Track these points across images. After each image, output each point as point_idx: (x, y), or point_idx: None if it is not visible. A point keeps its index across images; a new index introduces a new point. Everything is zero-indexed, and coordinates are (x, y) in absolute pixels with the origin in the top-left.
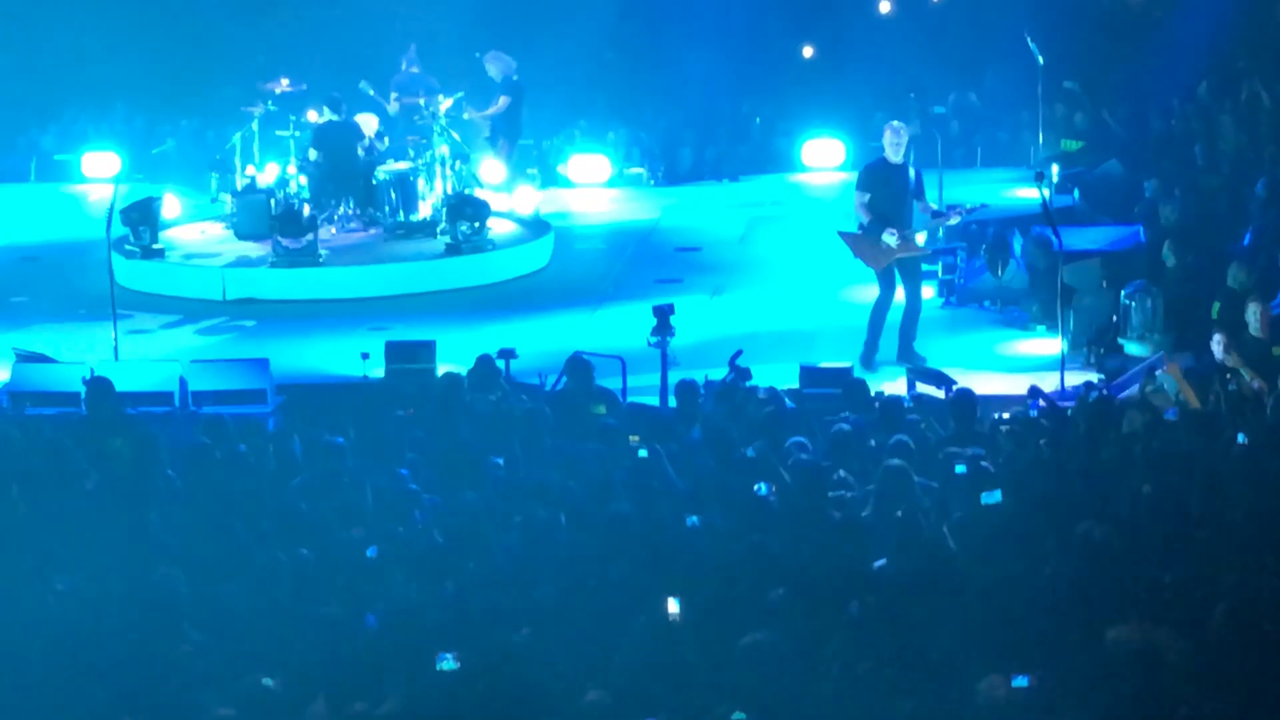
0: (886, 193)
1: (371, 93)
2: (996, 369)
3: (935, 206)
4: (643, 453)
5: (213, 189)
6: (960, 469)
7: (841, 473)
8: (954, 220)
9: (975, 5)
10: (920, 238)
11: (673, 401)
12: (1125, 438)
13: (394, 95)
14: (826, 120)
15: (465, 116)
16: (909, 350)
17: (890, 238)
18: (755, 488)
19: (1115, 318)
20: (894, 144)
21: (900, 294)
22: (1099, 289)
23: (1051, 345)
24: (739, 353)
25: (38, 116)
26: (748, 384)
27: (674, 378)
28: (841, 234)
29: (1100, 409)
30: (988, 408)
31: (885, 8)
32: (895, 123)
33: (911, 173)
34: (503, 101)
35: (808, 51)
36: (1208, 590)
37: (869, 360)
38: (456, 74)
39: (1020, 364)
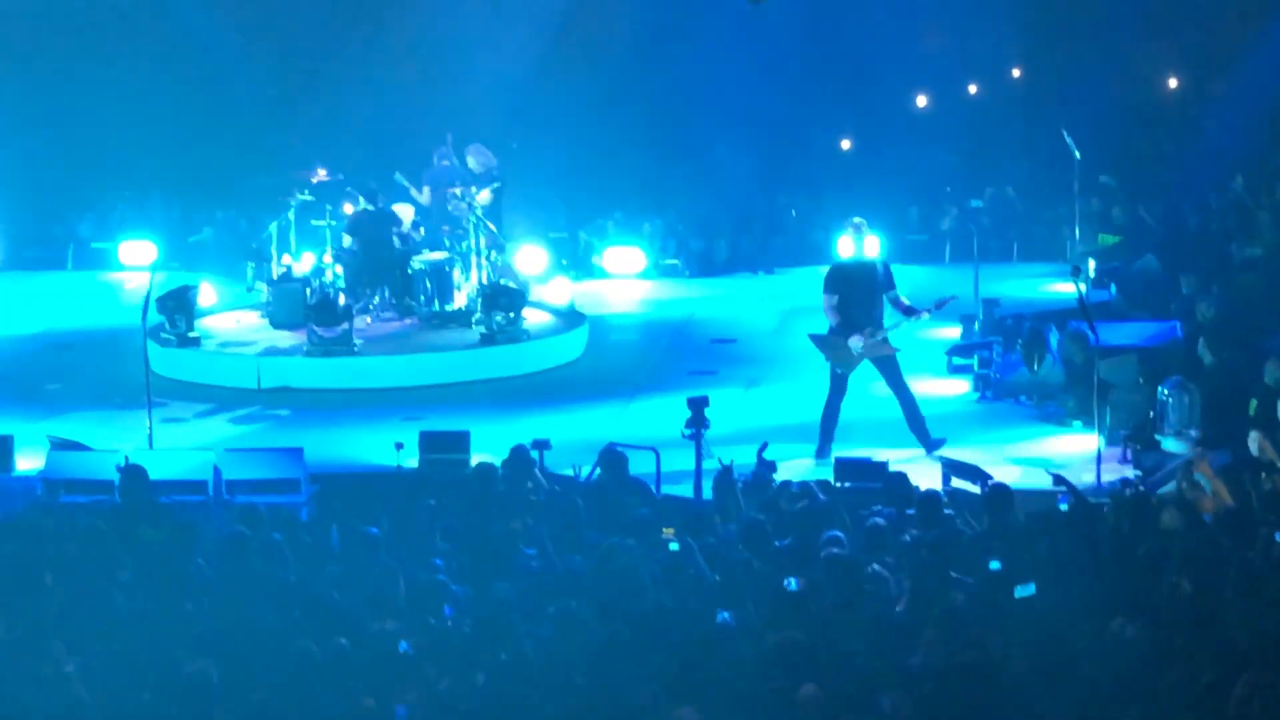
0: (852, 292)
1: (406, 184)
2: (1032, 464)
3: (907, 302)
4: (674, 546)
5: (249, 278)
6: (994, 565)
7: (875, 566)
8: (924, 316)
9: (1012, 100)
10: (885, 344)
11: (707, 493)
12: (1162, 534)
13: (426, 187)
14: (862, 213)
15: (450, 209)
16: (926, 437)
17: (856, 343)
18: (785, 583)
19: (1152, 413)
20: (854, 241)
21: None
22: (1136, 385)
23: (1088, 441)
24: (765, 445)
25: (75, 205)
26: (775, 476)
27: (708, 470)
28: (811, 337)
29: (1137, 505)
30: (1024, 503)
31: (922, 102)
32: (856, 219)
33: (879, 268)
34: (485, 195)
35: (845, 144)
36: (1243, 690)
37: (821, 453)
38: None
39: (1056, 460)
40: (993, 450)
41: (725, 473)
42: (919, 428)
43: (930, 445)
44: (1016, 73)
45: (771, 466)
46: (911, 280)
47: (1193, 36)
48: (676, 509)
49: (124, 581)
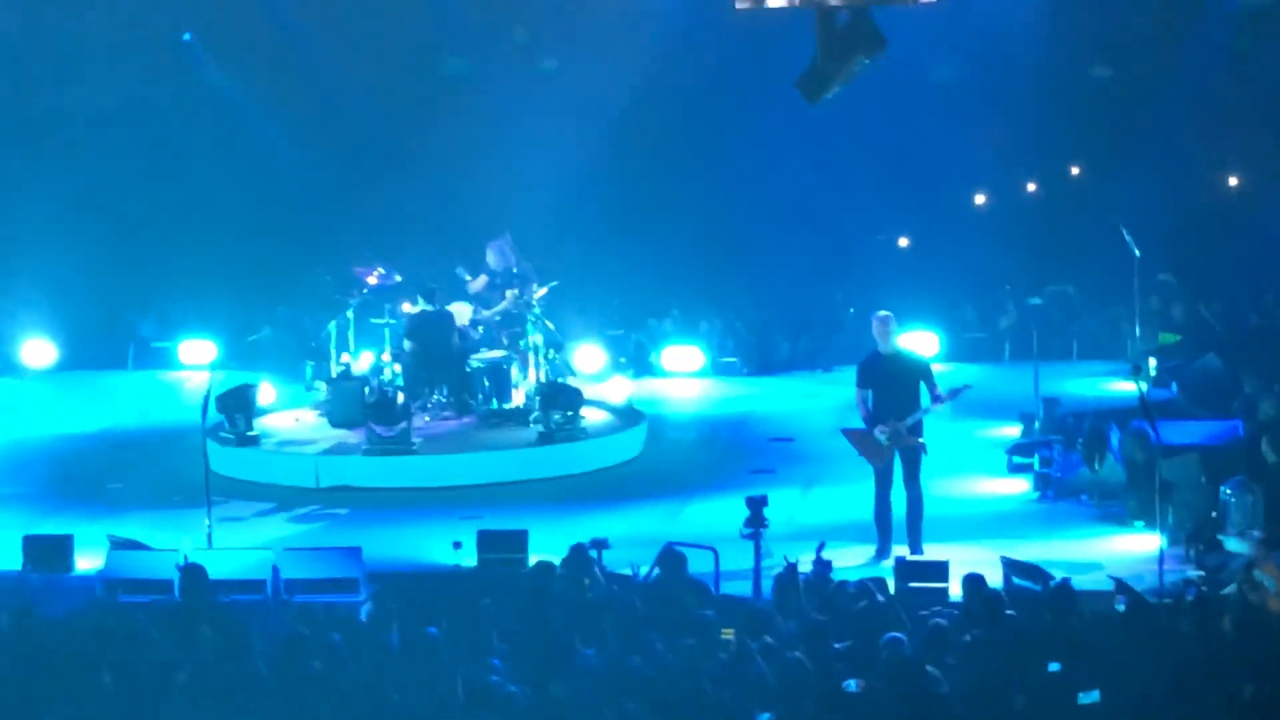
0: (880, 385)
1: (468, 277)
2: (1094, 564)
3: (940, 392)
4: (734, 646)
5: (308, 376)
6: (1054, 667)
7: (931, 668)
8: (936, 408)
9: (1071, 197)
10: (910, 436)
11: (766, 592)
12: (1225, 637)
13: (483, 276)
14: (920, 311)
15: (510, 308)
16: (918, 541)
17: (881, 435)
18: (845, 684)
19: (1214, 513)
20: (881, 334)
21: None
22: (1198, 484)
23: (1150, 541)
24: (823, 545)
25: (136, 304)
26: (832, 575)
27: (767, 569)
28: (843, 431)
29: (1199, 607)
30: (1086, 603)
31: (980, 200)
32: (882, 312)
33: (911, 360)
34: (480, 281)
35: (903, 242)
36: None
37: (881, 553)
38: (551, 262)
39: (1118, 560)
40: (1054, 549)
41: (789, 571)
42: (914, 530)
43: (916, 549)
44: (1075, 170)
45: (828, 566)
46: (969, 379)
47: (1252, 135)
48: (735, 609)
49: (181, 683)
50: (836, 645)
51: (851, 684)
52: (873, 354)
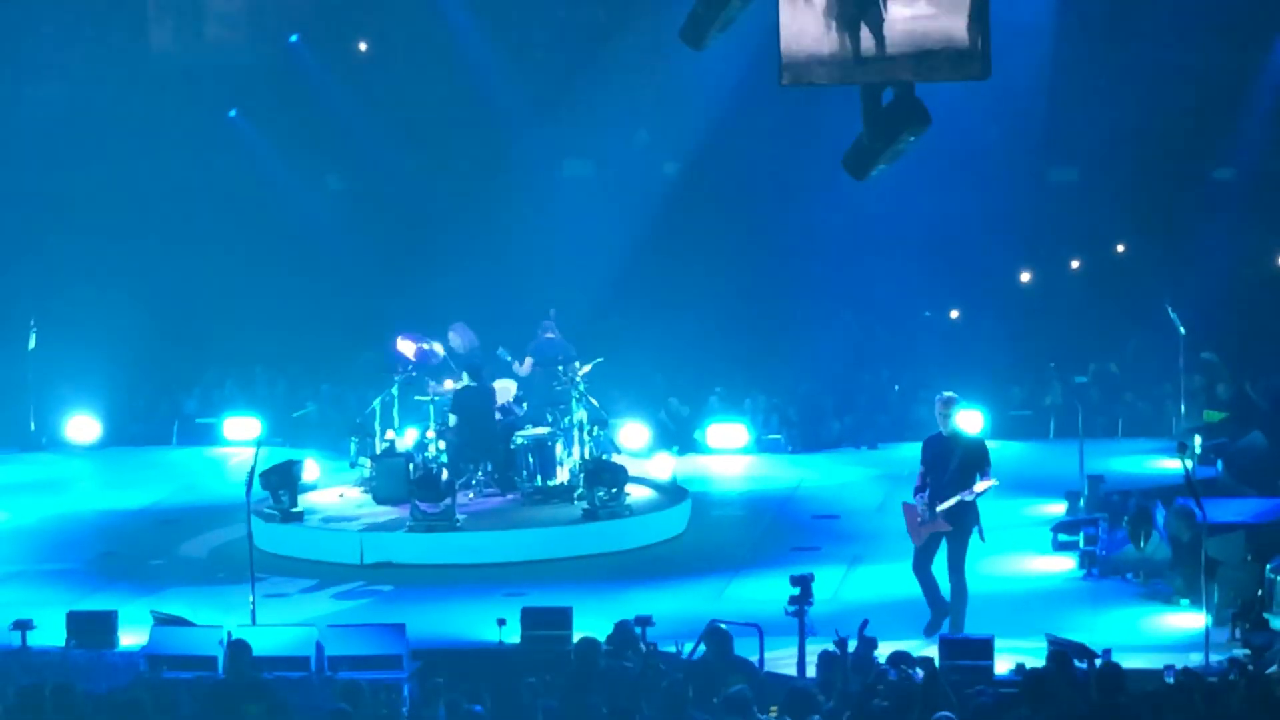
0: (934, 465)
1: (509, 358)
2: (1139, 643)
3: (989, 482)
4: None
5: (352, 453)
6: None
7: None
8: (968, 497)
9: (1116, 275)
10: (937, 522)
11: (811, 671)
12: (1272, 715)
13: (529, 359)
14: (965, 389)
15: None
16: (960, 625)
17: (923, 510)
18: None
19: (1260, 592)
20: (940, 415)
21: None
22: (1244, 562)
23: (1196, 620)
24: (865, 623)
25: (181, 381)
26: (877, 654)
27: (812, 647)
28: (904, 505)
29: (1246, 686)
30: (1132, 683)
31: (1025, 277)
32: (946, 393)
33: (966, 443)
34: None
35: (954, 314)
36: None
37: (930, 629)
38: (594, 340)
39: (1164, 639)
40: (1099, 627)
41: (840, 647)
42: (958, 614)
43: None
44: (1120, 248)
45: (872, 644)
46: (1014, 456)
47: None
48: (780, 687)
49: None
50: None
51: None
52: (935, 434)
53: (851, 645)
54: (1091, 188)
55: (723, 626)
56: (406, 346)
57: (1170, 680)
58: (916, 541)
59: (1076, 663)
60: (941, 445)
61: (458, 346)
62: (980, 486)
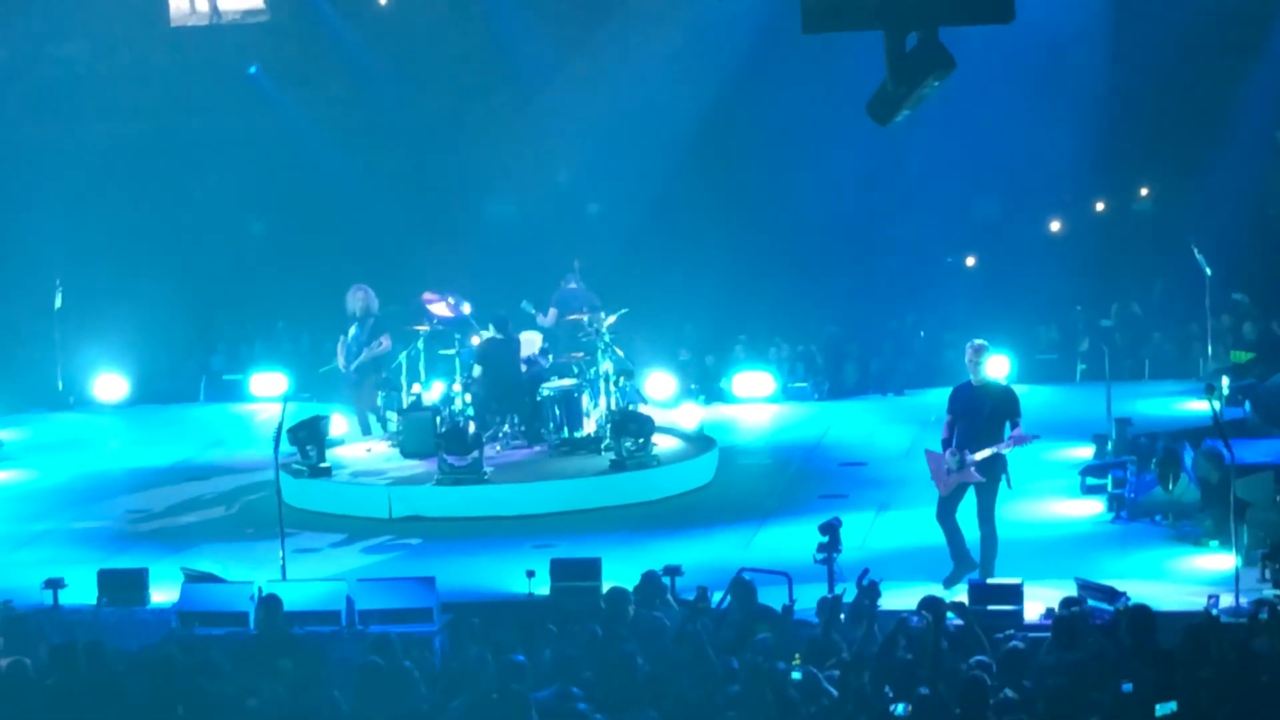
0: (964, 414)
1: (533, 311)
2: (1169, 584)
3: (1019, 432)
4: (796, 675)
5: (380, 407)
6: (1127, 688)
7: (1008, 692)
8: (1005, 449)
9: (1141, 217)
10: (972, 469)
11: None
12: None
13: (553, 309)
14: (991, 334)
15: (343, 366)
16: (989, 570)
17: (953, 460)
18: (891, 708)
19: None
20: (971, 363)
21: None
22: (1273, 503)
23: (1225, 561)
24: (866, 571)
25: (207, 338)
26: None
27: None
28: (926, 451)
29: (1275, 625)
30: (1164, 623)
31: (1056, 227)
32: (977, 341)
33: (997, 392)
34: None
35: (970, 262)
36: None
37: (950, 580)
38: (619, 290)
39: (1193, 579)
40: (1128, 570)
41: (833, 600)
42: (988, 563)
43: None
44: (1145, 190)
45: (874, 592)
46: (1042, 400)
47: None
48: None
49: (253, 709)
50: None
51: (900, 708)
52: (965, 383)
53: (850, 594)
54: (1114, 128)
55: (746, 577)
56: (436, 304)
57: (1215, 612)
58: (943, 490)
59: (1097, 604)
60: (972, 394)
61: (355, 309)
62: (1020, 439)
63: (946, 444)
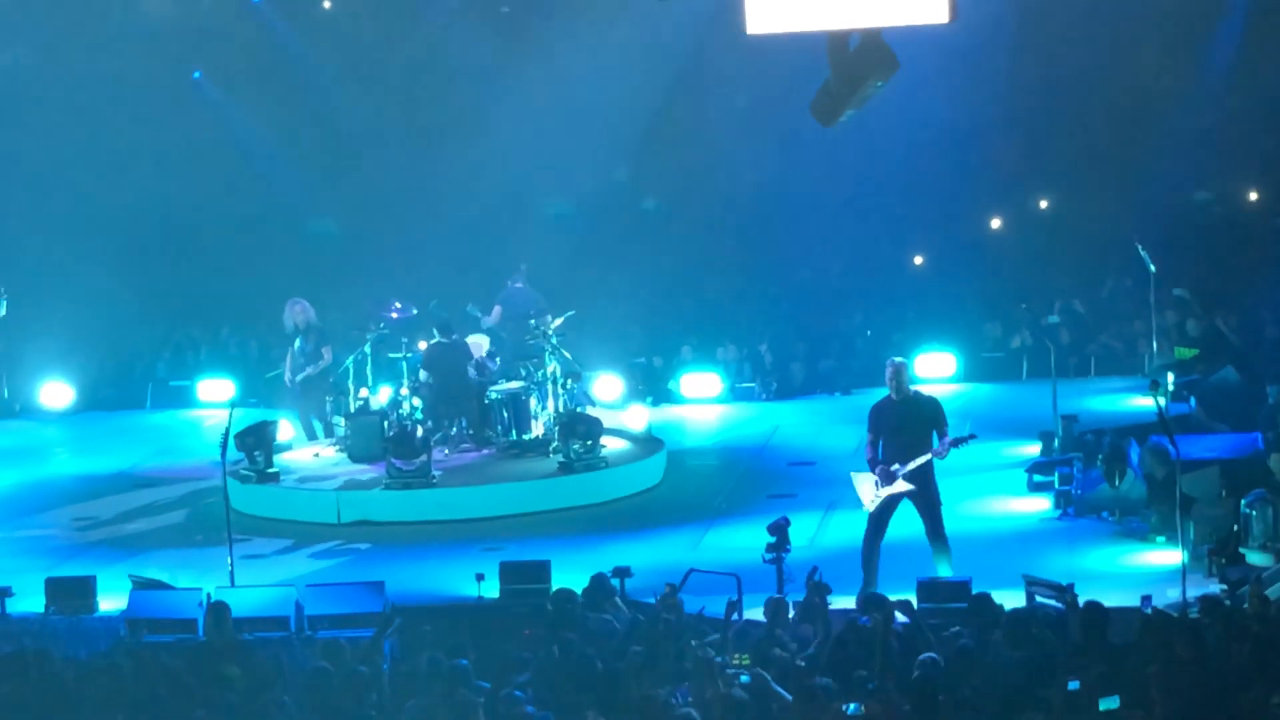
0: (889, 431)
1: (478, 314)
2: (1116, 581)
3: (949, 438)
4: (745, 678)
5: (327, 412)
6: (1073, 685)
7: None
8: (940, 455)
9: (1085, 215)
10: (900, 484)
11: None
12: (1256, 649)
13: (497, 307)
14: (938, 333)
15: (289, 380)
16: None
17: (868, 480)
18: (842, 707)
19: (1236, 527)
20: (892, 381)
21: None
22: (1218, 498)
23: (1172, 556)
24: (815, 569)
25: (154, 344)
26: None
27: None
28: (853, 474)
29: (1224, 620)
30: (1113, 619)
31: (996, 224)
32: (896, 359)
33: (918, 405)
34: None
35: (918, 260)
36: None
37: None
38: (565, 293)
39: (1140, 576)
40: (1076, 566)
41: (778, 601)
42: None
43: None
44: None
45: (824, 590)
46: (987, 398)
47: (1272, 148)
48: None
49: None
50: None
51: (852, 707)
52: (885, 399)
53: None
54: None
55: (700, 574)
56: (380, 308)
57: (1148, 612)
58: (869, 507)
59: (1054, 602)
60: (895, 410)
61: (294, 322)
62: (954, 443)
63: (873, 464)
